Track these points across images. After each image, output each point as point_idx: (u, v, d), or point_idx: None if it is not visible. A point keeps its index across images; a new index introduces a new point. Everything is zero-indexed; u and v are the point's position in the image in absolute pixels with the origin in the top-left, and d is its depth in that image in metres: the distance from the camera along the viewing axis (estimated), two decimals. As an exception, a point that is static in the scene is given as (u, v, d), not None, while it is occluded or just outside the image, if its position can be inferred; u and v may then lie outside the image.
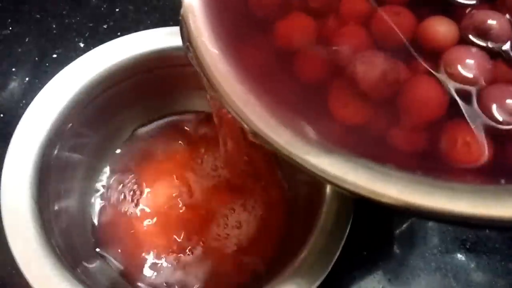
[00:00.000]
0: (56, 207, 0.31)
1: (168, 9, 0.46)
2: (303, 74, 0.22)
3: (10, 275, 0.34)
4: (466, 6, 0.22)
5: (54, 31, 0.45)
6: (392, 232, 0.37)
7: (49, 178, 0.30)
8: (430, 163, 0.19)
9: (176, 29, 0.33)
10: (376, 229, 0.36)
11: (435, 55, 0.21)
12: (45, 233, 0.27)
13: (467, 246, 0.36)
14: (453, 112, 0.19)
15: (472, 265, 0.35)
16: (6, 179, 0.28)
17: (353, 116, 0.20)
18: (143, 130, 0.38)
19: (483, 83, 0.19)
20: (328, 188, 0.28)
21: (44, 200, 0.29)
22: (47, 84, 0.31)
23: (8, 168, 0.28)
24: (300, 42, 0.22)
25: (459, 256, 0.36)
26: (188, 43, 0.22)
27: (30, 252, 0.26)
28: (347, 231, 0.27)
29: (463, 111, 0.19)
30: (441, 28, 0.21)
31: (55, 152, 0.31)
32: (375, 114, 0.20)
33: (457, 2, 0.22)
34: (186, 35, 0.22)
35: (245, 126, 0.19)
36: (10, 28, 0.45)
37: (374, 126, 0.20)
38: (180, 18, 0.23)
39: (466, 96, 0.20)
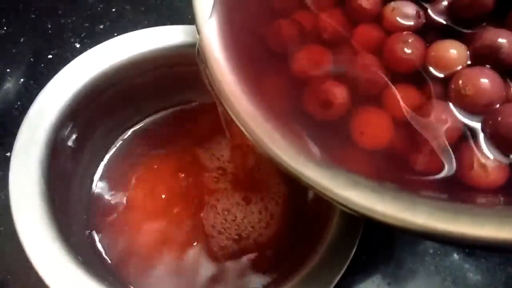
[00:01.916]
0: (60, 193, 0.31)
1: (166, 8, 0.46)
2: (322, 105, 0.22)
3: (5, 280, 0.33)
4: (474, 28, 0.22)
5: (50, 31, 0.44)
6: (392, 236, 0.36)
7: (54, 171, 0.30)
8: (451, 187, 0.19)
9: (174, 28, 0.33)
10: (376, 233, 0.35)
11: (447, 78, 0.21)
12: (52, 216, 0.28)
13: (466, 250, 0.36)
14: (468, 134, 0.20)
15: (471, 269, 0.35)
16: (14, 171, 0.28)
17: (374, 141, 0.21)
18: (142, 126, 0.38)
19: (497, 104, 0.20)
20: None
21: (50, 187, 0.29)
22: (46, 85, 0.31)
23: (15, 165, 0.28)
24: (317, 73, 0.23)
25: (458, 259, 0.36)
26: (210, 84, 0.23)
27: (35, 233, 0.26)
28: (357, 243, 0.27)
29: (477, 133, 0.20)
30: (451, 51, 0.21)
31: (60, 145, 0.31)
32: (395, 139, 0.21)
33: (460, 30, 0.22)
34: (208, 74, 0.23)
35: (275, 162, 0.20)
36: (5, 28, 0.44)
37: (395, 151, 0.21)
38: (198, 49, 0.23)
39: (480, 117, 0.20)
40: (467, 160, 0.19)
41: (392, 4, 0.23)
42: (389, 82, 0.22)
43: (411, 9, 0.23)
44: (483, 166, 0.19)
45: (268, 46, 0.24)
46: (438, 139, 0.20)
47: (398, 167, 0.20)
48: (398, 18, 0.23)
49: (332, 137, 0.22)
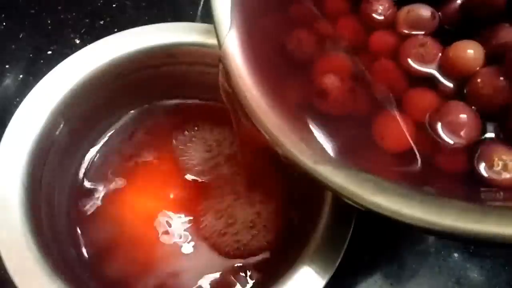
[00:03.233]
0: (45, 193, 0.31)
1: (167, 4, 0.46)
2: (344, 112, 0.23)
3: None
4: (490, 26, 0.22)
5: (49, 27, 0.44)
6: (394, 236, 0.36)
7: (42, 167, 0.30)
8: (472, 186, 0.20)
9: (175, 24, 0.33)
10: (378, 233, 0.35)
11: (465, 78, 0.21)
12: (32, 223, 0.27)
13: (470, 250, 0.36)
14: (487, 134, 0.20)
15: (475, 269, 0.35)
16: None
17: (395, 145, 0.21)
18: (139, 121, 0.37)
19: None
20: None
21: (35, 187, 0.29)
22: (40, 81, 0.31)
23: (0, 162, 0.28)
24: (338, 81, 0.23)
25: (462, 260, 0.35)
26: (233, 94, 0.24)
27: (14, 243, 0.26)
28: (350, 233, 0.27)
29: (496, 132, 0.20)
30: (468, 51, 0.22)
31: (49, 144, 0.31)
32: (415, 141, 0.21)
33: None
34: (229, 87, 0.24)
35: (304, 172, 0.20)
36: (4, 24, 0.44)
37: (416, 153, 0.21)
38: (220, 62, 0.24)
39: (499, 116, 0.20)
40: (487, 159, 0.19)
41: (407, 6, 0.24)
42: (407, 86, 0.22)
43: (426, 10, 0.23)
44: (504, 165, 0.19)
45: (288, 56, 0.25)
46: (457, 139, 0.20)
47: (419, 167, 0.21)
48: (413, 20, 0.23)
49: (354, 141, 0.22)
